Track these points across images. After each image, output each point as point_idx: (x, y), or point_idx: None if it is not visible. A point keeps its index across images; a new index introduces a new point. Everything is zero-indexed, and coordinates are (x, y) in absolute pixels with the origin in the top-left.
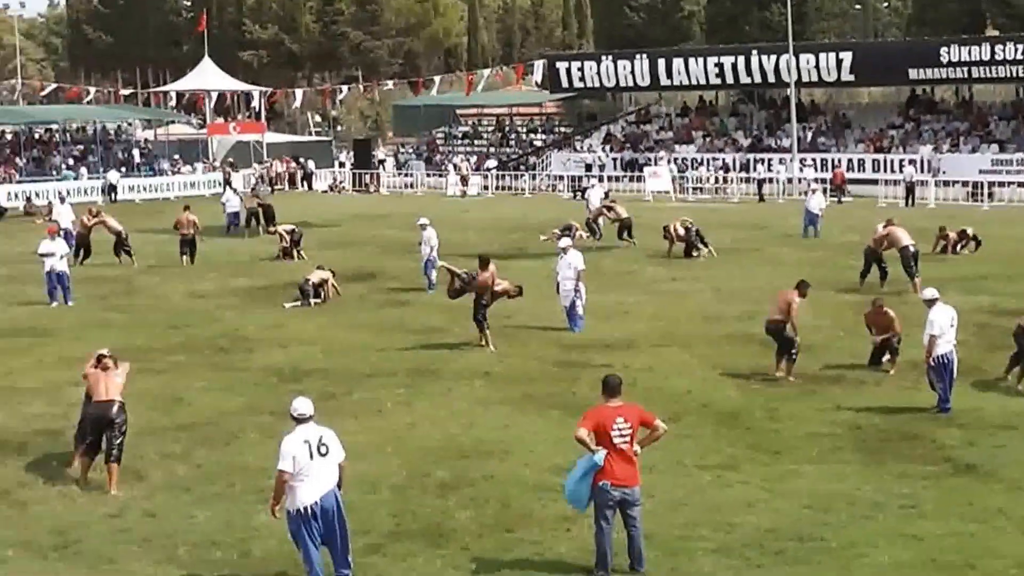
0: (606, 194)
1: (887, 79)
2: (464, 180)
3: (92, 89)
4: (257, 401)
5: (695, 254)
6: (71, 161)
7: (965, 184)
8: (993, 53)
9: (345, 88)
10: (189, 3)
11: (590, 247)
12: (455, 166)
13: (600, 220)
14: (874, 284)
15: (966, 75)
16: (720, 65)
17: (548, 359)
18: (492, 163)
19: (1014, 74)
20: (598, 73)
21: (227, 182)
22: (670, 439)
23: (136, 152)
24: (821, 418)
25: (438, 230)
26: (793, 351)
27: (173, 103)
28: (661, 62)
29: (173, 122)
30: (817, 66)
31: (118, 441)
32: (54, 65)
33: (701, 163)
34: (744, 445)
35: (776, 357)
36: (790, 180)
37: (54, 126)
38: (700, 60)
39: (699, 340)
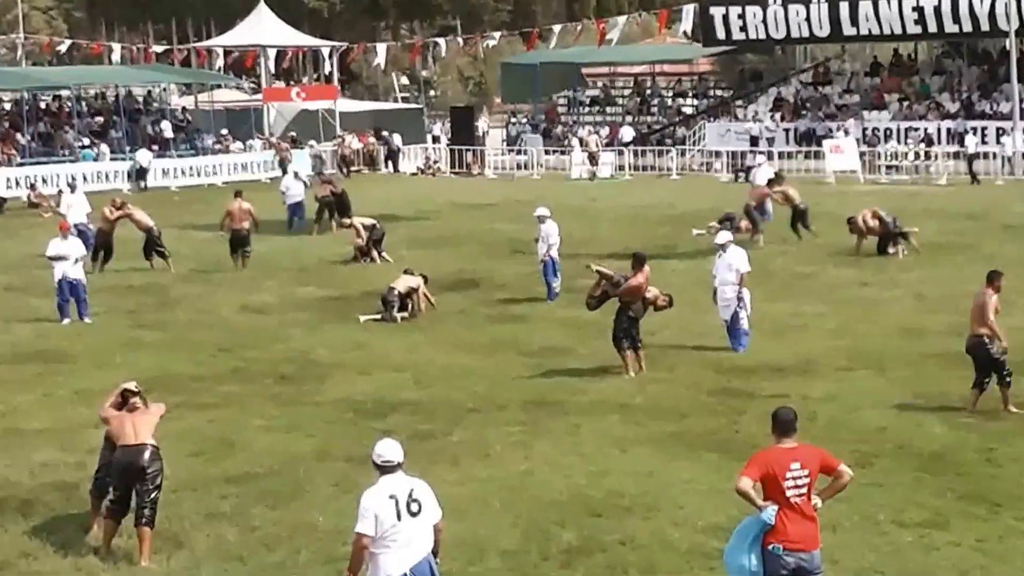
0: (776, 174)
1: None
2: (593, 158)
3: (116, 46)
4: (330, 444)
5: (891, 251)
6: (86, 140)
7: None
8: None
9: (440, 42)
10: None
11: (756, 242)
12: (581, 140)
13: (768, 205)
14: None
15: None
16: (919, 9)
17: (702, 387)
18: (628, 136)
19: None
20: (764, 21)
21: (284, 163)
22: (859, 489)
23: (168, 125)
24: None
25: (560, 223)
26: (1005, 372)
27: (220, 62)
28: (844, 6)
29: (219, 86)
30: None
31: (151, 497)
32: (67, 16)
33: (896, 134)
34: (954, 496)
35: (975, 386)
36: (1013, 155)
37: (65, 92)
38: (894, 3)
39: (896, 361)
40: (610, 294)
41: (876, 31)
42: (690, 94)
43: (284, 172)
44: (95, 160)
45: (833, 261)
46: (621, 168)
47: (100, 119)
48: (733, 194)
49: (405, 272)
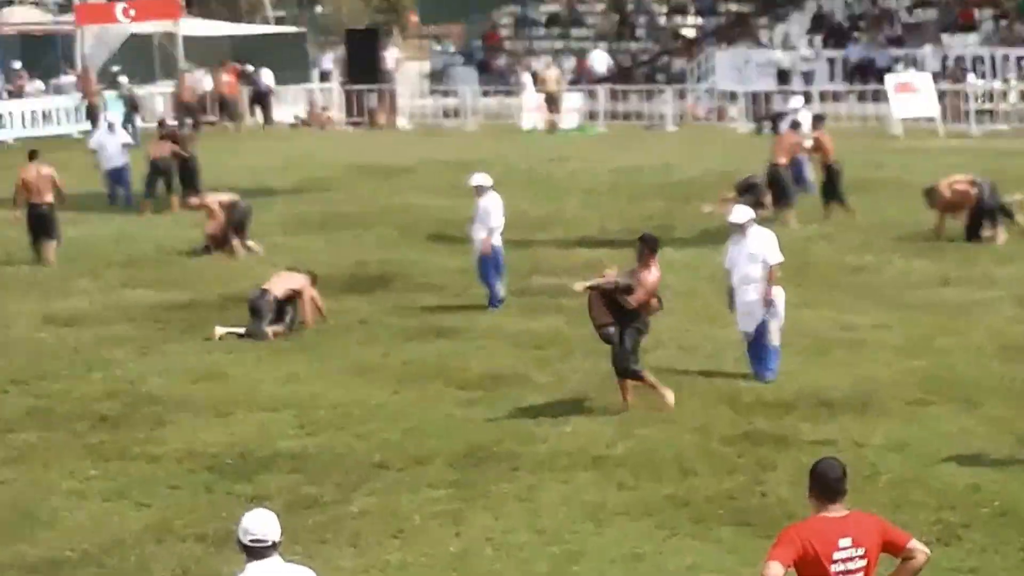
0: (815, 118)
1: None
2: (552, 102)
3: None
4: (173, 516)
5: (986, 233)
6: None
7: None
8: None
9: None
10: None
11: (786, 221)
12: (535, 76)
13: (806, 170)
14: None
15: None
16: None
17: (714, 430)
18: (602, 68)
19: None
20: None
21: (94, 110)
22: (942, 574)
23: None
24: None
25: (506, 195)
26: None
27: None
28: None
29: (10, 3)
30: None
31: None
32: None
33: (990, 66)
34: None
35: None
36: None
37: None
38: None
39: (990, 392)
40: (627, 307)
41: None
42: (691, 10)
43: (94, 124)
44: None
45: (900, 248)
46: (593, 116)
47: None
48: (755, 152)
49: (287, 269)
